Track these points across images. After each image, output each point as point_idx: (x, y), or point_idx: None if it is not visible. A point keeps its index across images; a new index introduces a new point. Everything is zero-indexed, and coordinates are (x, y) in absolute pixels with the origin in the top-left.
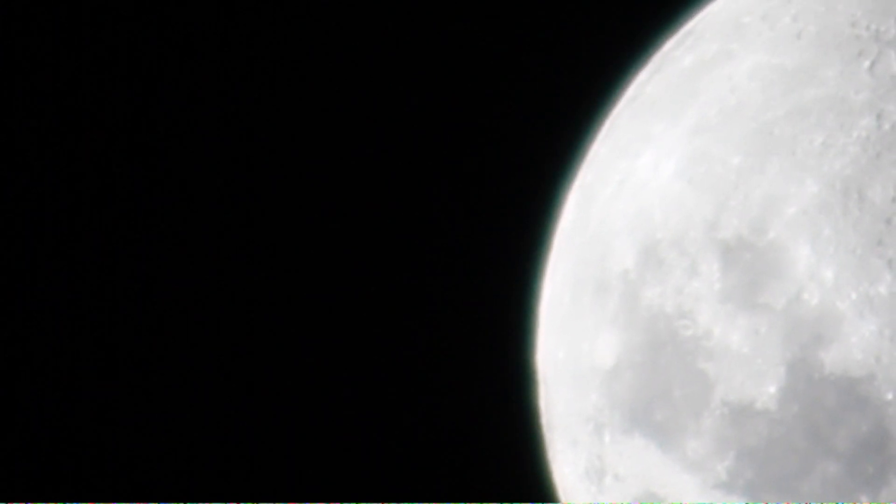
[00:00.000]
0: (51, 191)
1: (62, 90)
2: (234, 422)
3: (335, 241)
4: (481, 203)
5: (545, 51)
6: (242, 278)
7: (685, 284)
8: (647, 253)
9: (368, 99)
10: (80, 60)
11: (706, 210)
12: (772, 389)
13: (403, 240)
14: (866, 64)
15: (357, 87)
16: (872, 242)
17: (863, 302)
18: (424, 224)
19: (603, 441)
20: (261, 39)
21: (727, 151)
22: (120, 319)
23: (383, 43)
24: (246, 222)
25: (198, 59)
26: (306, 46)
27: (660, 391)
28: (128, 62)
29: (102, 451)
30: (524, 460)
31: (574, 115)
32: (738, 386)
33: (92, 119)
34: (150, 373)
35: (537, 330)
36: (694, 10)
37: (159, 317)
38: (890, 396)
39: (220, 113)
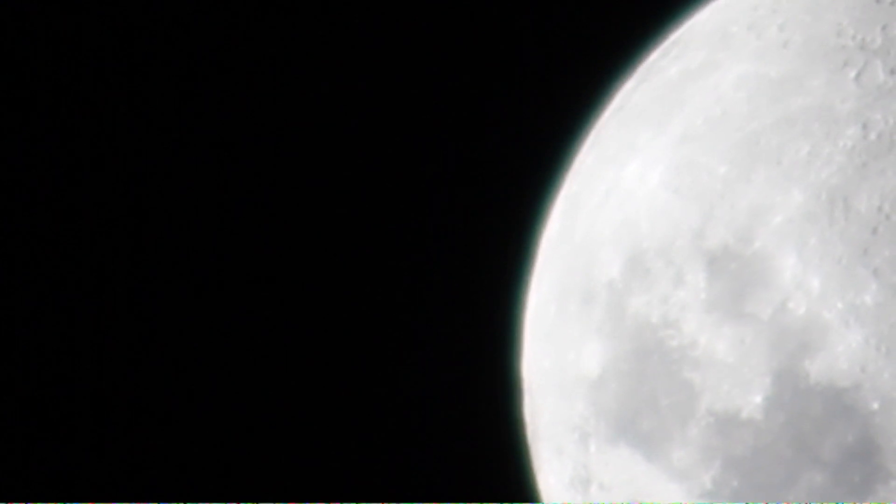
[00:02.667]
0: (51, 191)
1: (62, 90)
2: (225, 422)
3: (320, 250)
4: (468, 212)
5: (531, 61)
6: (228, 278)
7: (671, 294)
8: (634, 262)
9: (347, 117)
10: (80, 60)
11: (692, 219)
12: (758, 399)
13: (389, 248)
14: (852, 73)
15: (334, 107)
16: (858, 252)
17: (849, 311)
18: (410, 233)
19: (588, 450)
20: (251, 35)
21: (713, 161)
22: (120, 319)
23: (362, 65)
24: (231, 222)
25: (196, 59)
26: (292, 43)
27: (645, 400)
28: (127, 62)
29: (102, 451)
30: (510, 469)
31: (560, 125)
32: (724, 395)
33: (92, 119)
34: (148, 373)
35: (523, 339)
36: (680, 19)
37: (154, 317)
38: (876, 406)
39: (211, 110)
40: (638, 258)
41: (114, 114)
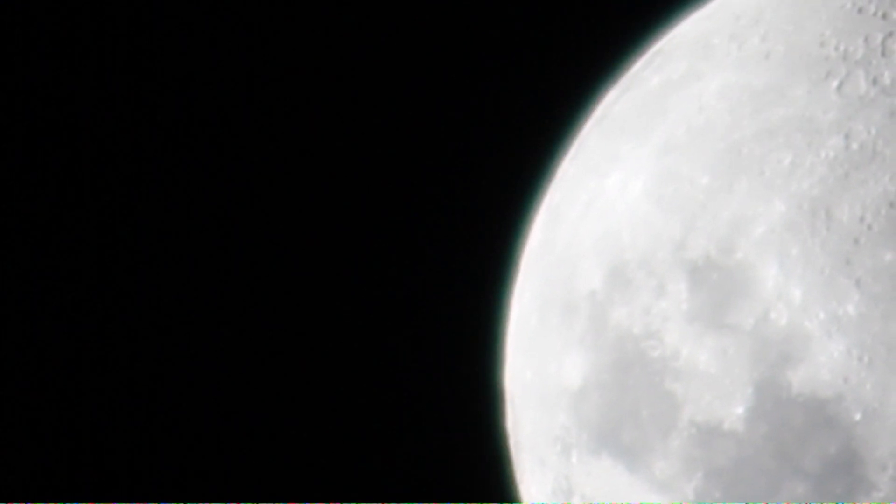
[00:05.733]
0: (50, 191)
1: (62, 90)
2: (211, 422)
3: (303, 261)
4: (449, 223)
5: (513, 71)
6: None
7: (653, 304)
8: (615, 273)
9: (322, 132)
10: (79, 60)
11: (674, 230)
12: (739, 410)
13: (371, 258)
14: (834, 84)
15: (309, 124)
16: (840, 262)
17: (831, 322)
18: (391, 243)
19: (570, 461)
20: (240, 32)
21: (695, 171)
22: (119, 320)
23: (337, 84)
24: (217, 220)
25: (192, 58)
26: (277, 42)
27: (627, 412)
28: (127, 62)
29: (102, 451)
30: (491, 480)
31: (542, 135)
32: (706, 406)
33: (91, 119)
34: (142, 372)
35: (505, 350)
36: (663, 29)
37: (149, 316)
38: (858, 417)
39: (201, 107)
40: (619, 269)
41: (114, 114)
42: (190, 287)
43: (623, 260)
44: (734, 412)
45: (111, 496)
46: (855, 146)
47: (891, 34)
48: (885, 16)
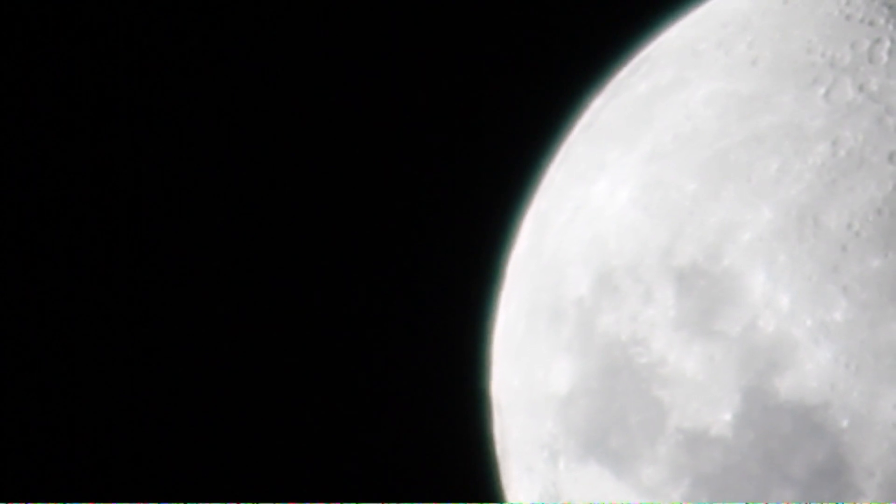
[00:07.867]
0: (50, 191)
1: (62, 90)
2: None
3: (292, 267)
4: (436, 229)
5: (500, 77)
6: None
7: (640, 311)
8: (602, 280)
9: (301, 141)
10: (79, 60)
11: (661, 237)
12: (727, 416)
13: (357, 266)
14: (822, 90)
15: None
16: (828, 269)
17: (818, 329)
18: (378, 250)
19: (558, 468)
20: (233, 31)
21: (682, 178)
22: (117, 320)
23: (316, 91)
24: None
25: (191, 58)
26: (271, 39)
27: (615, 418)
28: (126, 61)
29: (102, 451)
30: (479, 488)
31: (529, 142)
32: (693, 413)
33: (91, 119)
34: (133, 372)
35: (492, 357)
36: (649, 36)
37: (141, 315)
38: (845, 424)
39: (196, 108)
40: (607, 276)
41: (114, 114)
42: (179, 286)
43: (610, 266)
44: (721, 419)
45: (111, 496)
46: (842, 153)
47: (878, 41)
48: (872, 22)
